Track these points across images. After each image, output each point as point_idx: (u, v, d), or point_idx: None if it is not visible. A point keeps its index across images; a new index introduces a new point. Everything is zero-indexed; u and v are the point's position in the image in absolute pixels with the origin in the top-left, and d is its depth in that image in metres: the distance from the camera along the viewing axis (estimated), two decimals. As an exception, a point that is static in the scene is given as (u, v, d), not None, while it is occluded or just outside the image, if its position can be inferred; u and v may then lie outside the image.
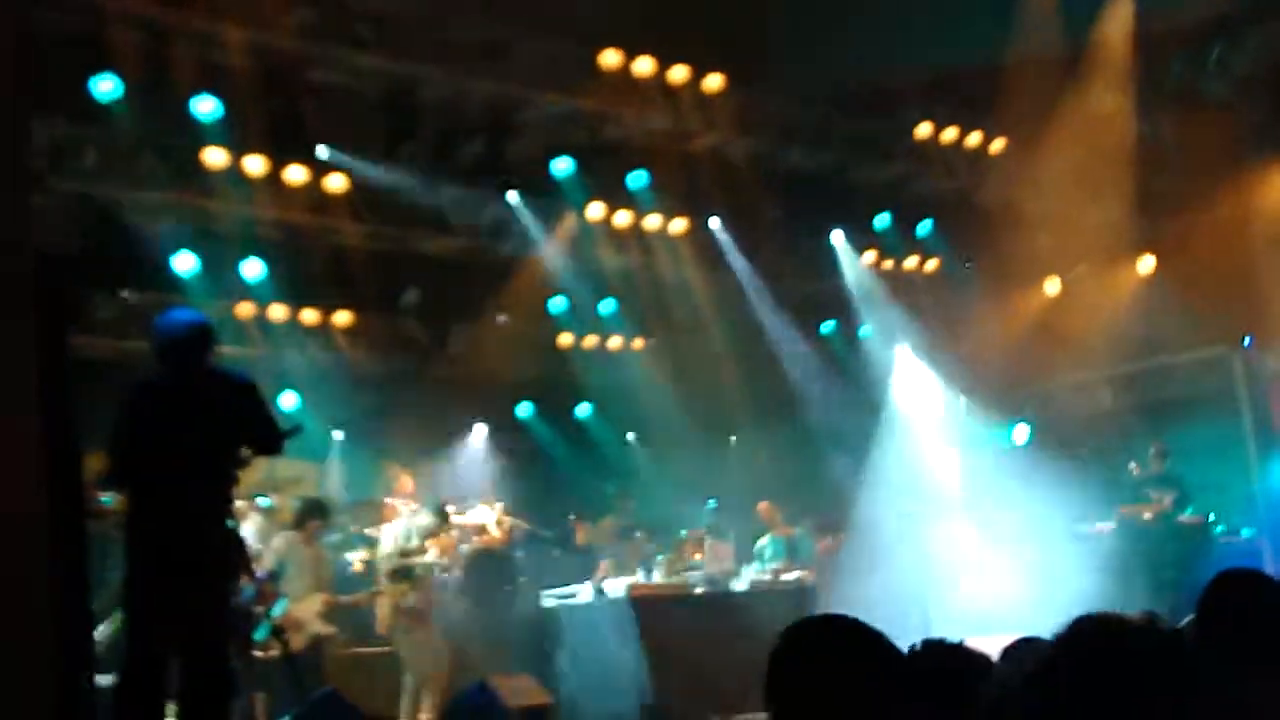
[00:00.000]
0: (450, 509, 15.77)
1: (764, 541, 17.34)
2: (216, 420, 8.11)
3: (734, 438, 20.60)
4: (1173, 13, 16.64)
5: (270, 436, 8.36)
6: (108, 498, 9.16)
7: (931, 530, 17.08)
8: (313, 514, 13.84)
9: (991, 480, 18.08)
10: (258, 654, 11.05)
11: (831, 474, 18.91)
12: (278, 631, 10.05)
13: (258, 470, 12.68)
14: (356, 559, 15.66)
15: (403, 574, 14.03)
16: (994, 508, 17.74)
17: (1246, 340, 18.24)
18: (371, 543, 15.45)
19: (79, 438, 6.57)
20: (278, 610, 12.46)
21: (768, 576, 16.20)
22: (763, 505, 17.70)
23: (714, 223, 19.41)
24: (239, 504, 10.16)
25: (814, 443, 19.43)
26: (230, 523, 8.23)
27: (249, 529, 13.06)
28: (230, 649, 8.35)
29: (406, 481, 16.28)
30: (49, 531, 5.27)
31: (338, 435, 18.15)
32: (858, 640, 3.71)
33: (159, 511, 7.95)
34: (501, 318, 18.88)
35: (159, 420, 8.08)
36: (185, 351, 8.22)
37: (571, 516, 17.50)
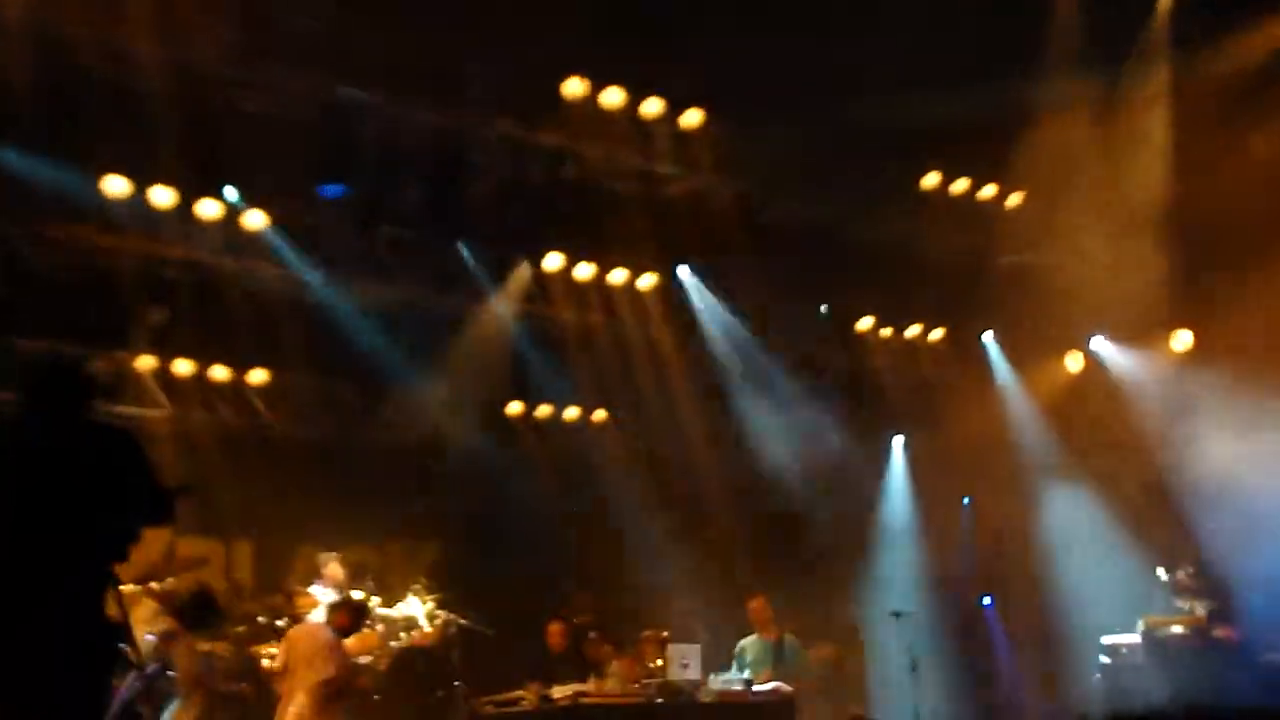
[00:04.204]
0: (375, 600, 15.69)
1: (746, 643, 16.76)
2: (90, 481, 7.77)
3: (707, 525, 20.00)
4: (1214, 58, 16.47)
5: (154, 500, 7.99)
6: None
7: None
8: (201, 611, 13.22)
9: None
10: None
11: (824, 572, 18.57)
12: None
13: (153, 548, 12.78)
14: (267, 655, 14.93)
15: None
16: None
17: None
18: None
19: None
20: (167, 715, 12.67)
21: (738, 686, 15.68)
22: (755, 602, 16.95)
23: (684, 275, 19.24)
24: (128, 588, 9.66)
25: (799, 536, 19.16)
26: (110, 608, 7.75)
27: (140, 616, 12.67)
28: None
29: (336, 570, 15.94)
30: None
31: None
32: None
33: (21, 592, 7.57)
34: (445, 384, 18.39)
35: (22, 481, 7.77)
36: (56, 401, 8.00)
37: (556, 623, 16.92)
